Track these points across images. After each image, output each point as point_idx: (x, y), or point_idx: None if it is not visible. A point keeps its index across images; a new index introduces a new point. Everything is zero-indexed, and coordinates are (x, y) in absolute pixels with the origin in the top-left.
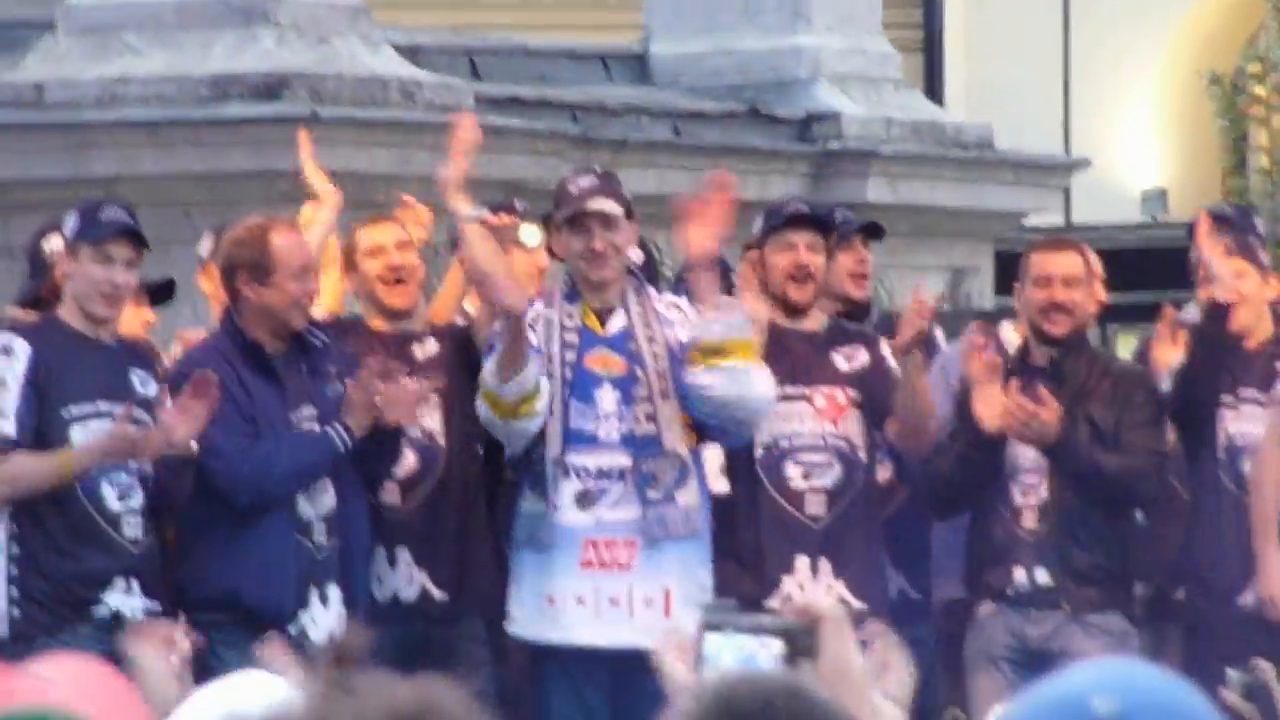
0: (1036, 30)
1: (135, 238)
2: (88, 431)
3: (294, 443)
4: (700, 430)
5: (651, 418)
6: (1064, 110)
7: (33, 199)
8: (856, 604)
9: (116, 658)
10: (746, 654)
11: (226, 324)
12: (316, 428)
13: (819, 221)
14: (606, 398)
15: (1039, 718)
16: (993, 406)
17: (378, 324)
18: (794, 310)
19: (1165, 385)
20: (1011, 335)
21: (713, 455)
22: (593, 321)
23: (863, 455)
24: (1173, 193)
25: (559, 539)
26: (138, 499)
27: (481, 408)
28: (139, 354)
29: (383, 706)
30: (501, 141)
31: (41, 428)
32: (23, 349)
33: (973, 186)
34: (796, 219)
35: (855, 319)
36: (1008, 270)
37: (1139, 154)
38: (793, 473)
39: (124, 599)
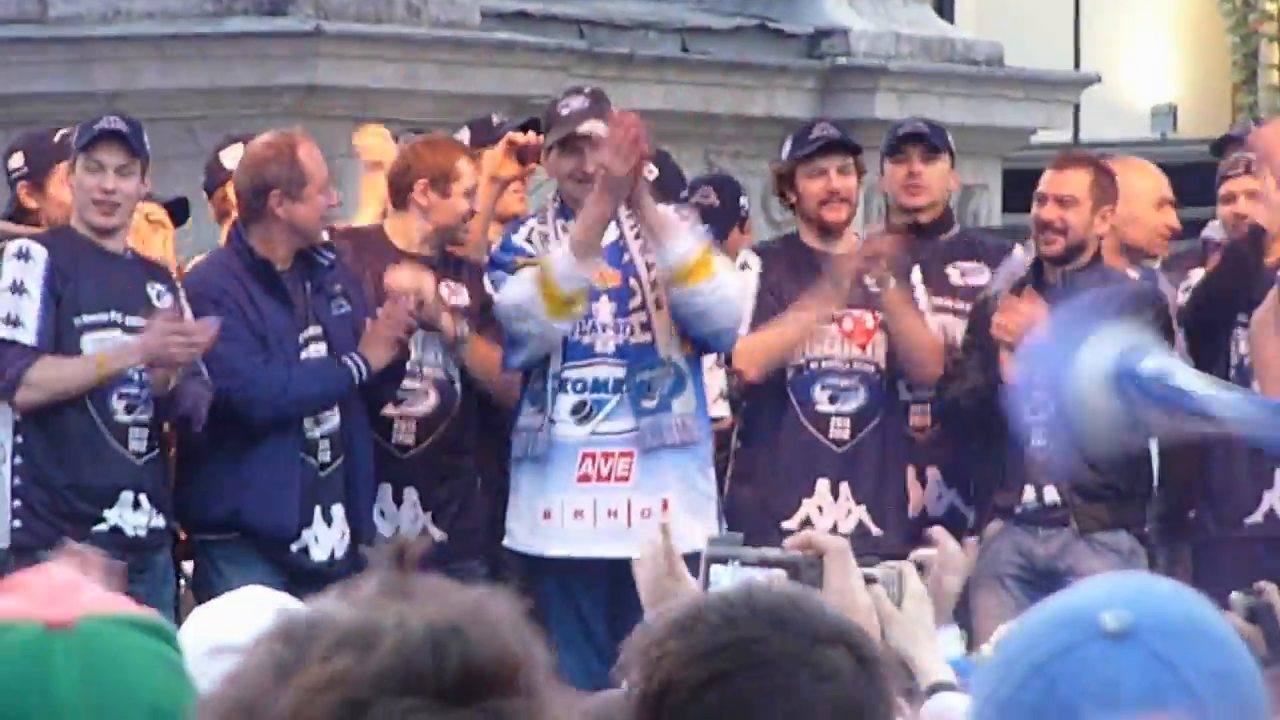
0: None
1: (129, 145)
2: (98, 340)
3: (312, 370)
4: (691, 342)
5: (646, 326)
6: (1074, 26)
7: (36, 114)
8: (875, 530)
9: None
10: None
11: (235, 240)
12: (323, 348)
13: (847, 145)
14: (603, 310)
15: (1045, 634)
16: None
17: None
18: (829, 232)
19: (1181, 299)
20: None
21: (712, 380)
22: None
23: (889, 380)
24: (1183, 109)
25: (556, 453)
26: (146, 413)
27: (527, 305)
28: (155, 268)
29: (427, 614)
30: (509, 57)
31: (54, 334)
32: (40, 254)
33: (981, 103)
34: (827, 145)
35: (937, 230)
36: (1016, 187)
37: (1149, 70)
38: (819, 396)
39: (130, 514)
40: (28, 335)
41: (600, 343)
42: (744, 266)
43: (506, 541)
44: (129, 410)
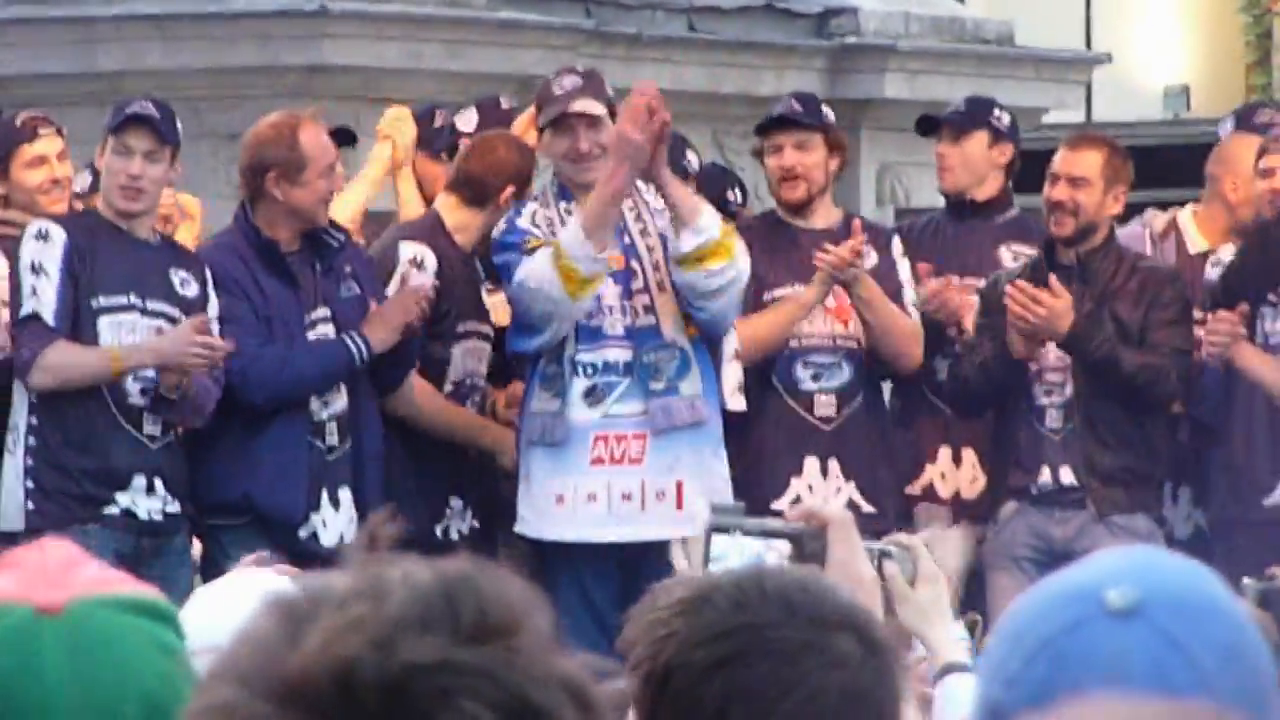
0: None
1: (157, 130)
2: (116, 323)
3: (310, 350)
4: (695, 324)
5: (649, 309)
6: (1085, 5)
7: (39, 94)
8: (866, 507)
9: (125, 555)
10: (753, 556)
11: (241, 221)
12: (331, 330)
13: (802, 121)
14: (608, 292)
15: (1049, 611)
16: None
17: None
18: (793, 209)
19: (1212, 275)
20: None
21: (730, 372)
22: None
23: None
24: (1195, 89)
25: (570, 436)
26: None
27: (544, 287)
28: (182, 254)
29: (430, 571)
30: (515, 36)
31: (73, 316)
32: (59, 235)
33: (992, 82)
34: (778, 121)
35: (993, 211)
36: (1027, 167)
37: (1161, 50)
38: (802, 374)
39: (144, 498)
40: (47, 315)
41: (609, 325)
42: None
43: (518, 527)
44: (144, 392)
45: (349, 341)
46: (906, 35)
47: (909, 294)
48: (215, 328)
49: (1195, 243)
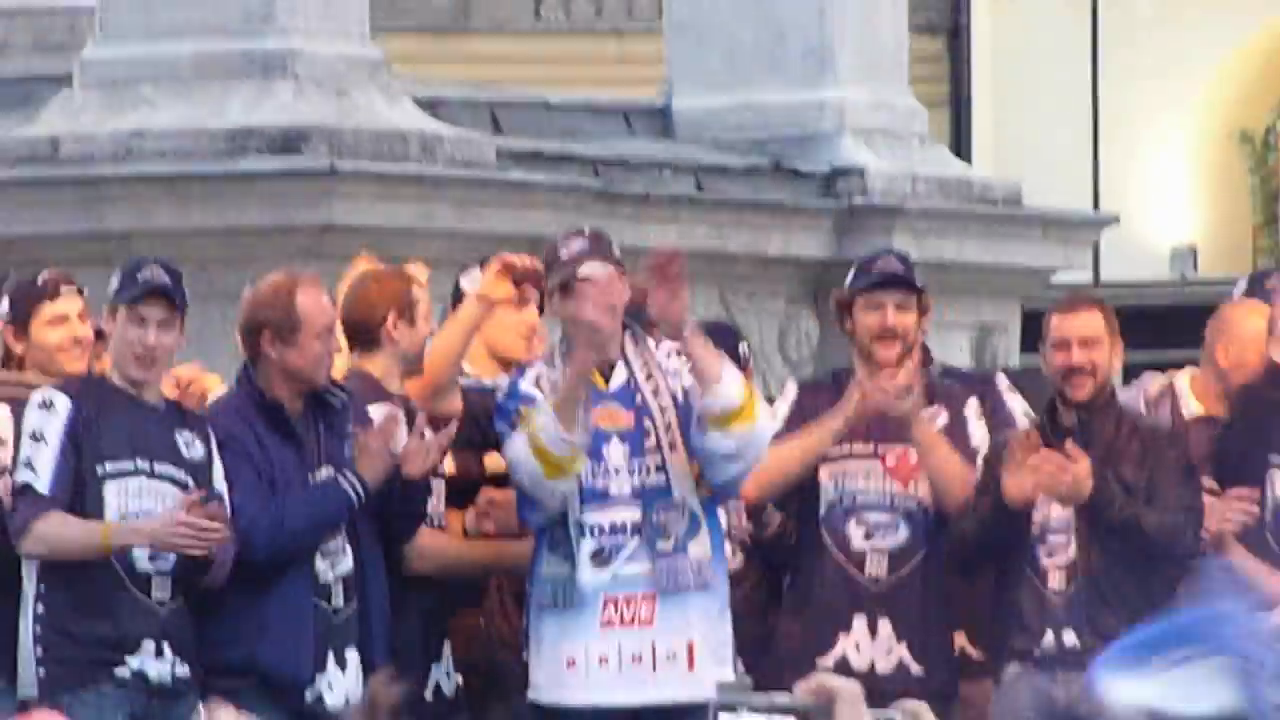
0: (1065, 86)
1: (170, 299)
2: (123, 489)
3: (305, 495)
4: (708, 484)
5: (661, 468)
6: (1093, 166)
7: (48, 254)
8: (916, 668)
9: (138, 716)
10: None
11: (244, 382)
12: None
13: (909, 281)
14: (615, 452)
15: None
16: (1022, 482)
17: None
18: (879, 368)
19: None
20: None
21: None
22: (595, 378)
23: (937, 517)
24: (1202, 250)
25: (580, 599)
26: (168, 560)
27: (526, 468)
28: (187, 416)
29: None
30: (524, 196)
31: (76, 483)
32: (63, 404)
33: (1000, 243)
34: (887, 280)
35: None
36: (1035, 328)
37: (1168, 211)
38: (854, 531)
39: (154, 663)
40: (42, 484)
41: (615, 486)
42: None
43: (530, 695)
44: (151, 558)
45: (344, 482)
46: (914, 196)
47: (978, 438)
48: (223, 488)
49: (1190, 407)
